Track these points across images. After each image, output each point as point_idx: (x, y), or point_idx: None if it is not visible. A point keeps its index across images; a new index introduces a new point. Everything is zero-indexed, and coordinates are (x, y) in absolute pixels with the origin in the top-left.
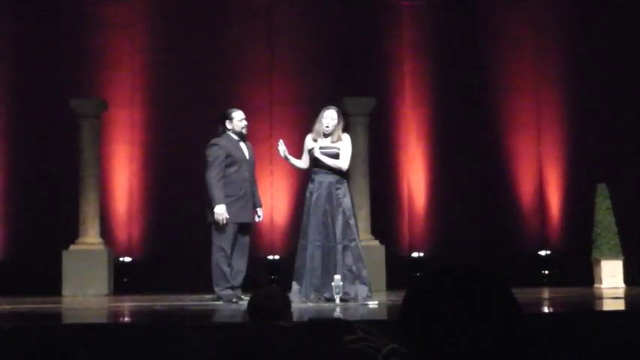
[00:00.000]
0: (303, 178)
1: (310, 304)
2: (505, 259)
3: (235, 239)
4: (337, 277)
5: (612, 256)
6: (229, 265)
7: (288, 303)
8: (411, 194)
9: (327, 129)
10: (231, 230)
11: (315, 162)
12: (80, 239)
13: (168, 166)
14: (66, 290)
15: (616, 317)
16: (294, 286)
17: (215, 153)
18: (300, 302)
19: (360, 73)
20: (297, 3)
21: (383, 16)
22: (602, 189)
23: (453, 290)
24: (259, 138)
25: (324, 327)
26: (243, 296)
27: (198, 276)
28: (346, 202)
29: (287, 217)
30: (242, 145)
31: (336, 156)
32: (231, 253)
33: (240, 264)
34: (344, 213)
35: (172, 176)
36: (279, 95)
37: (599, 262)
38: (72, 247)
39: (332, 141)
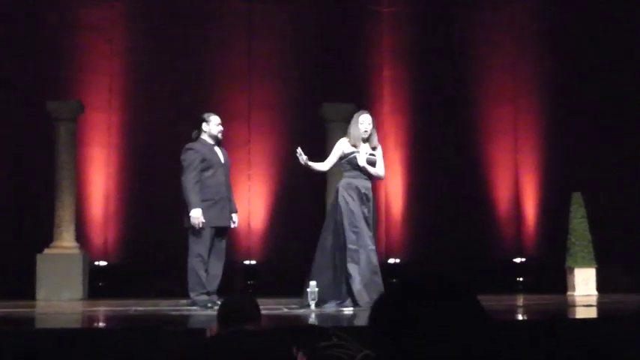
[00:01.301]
0: (281, 183)
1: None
2: (481, 266)
3: (212, 244)
4: (312, 283)
5: (586, 264)
6: (205, 271)
7: (257, 308)
8: (388, 200)
9: (365, 133)
10: (207, 235)
11: (355, 166)
12: (55, 243)
13: (145, 170)
14: (40, 294)
15: (588, 325)
16: (312, 284)
17: (190, 157)
18: (313, 302)
19: (339, 78)
20: (277, 8)
21: (363, 23)
22: (577, 197)
23: (421, 299)
24: (238, 142)
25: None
26: (218, 301)
27: (174, 281)
28: (374, 210)
29: (264, 222)
30: (217, 149)
31: (374, 163)
32: (208, 257)
33: (217, 269)
34: (374, 221)
35: (149, 180)
36: (257, 100)
37: (572, 269)
38: (46, 250)
39: (372, 147)
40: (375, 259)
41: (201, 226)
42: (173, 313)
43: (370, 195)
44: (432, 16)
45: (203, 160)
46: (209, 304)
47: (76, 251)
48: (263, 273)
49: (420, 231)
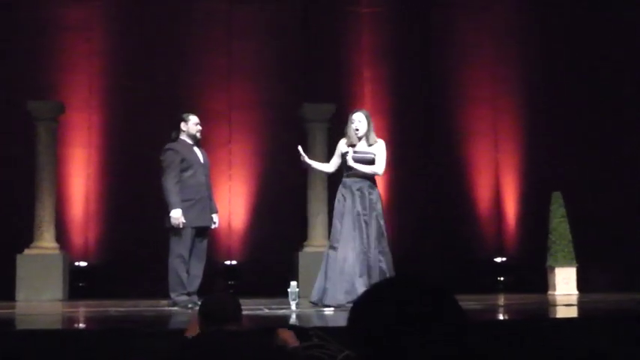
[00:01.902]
0: (261, 184)
1: (331, 309)
2: (461, 266)
3: (193, 244)
4: (293, 283)
5: (566, 264)
6: (187, 271)
7: (239, 308)
8: None
9: (357, 132)
10: (188, 235)
11: (348, 166)
12: (35, 243)
13: (126, 171)
14: (20, 295)
15: (569, 324)
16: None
17: (170, 157)
18: (321, 305)
19: (320, 79)
20: (257, 8)
21: (342, 23)
22: (557, 197)
23: (399, 300)
24: (218, 143)
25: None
26: (199, 302)
27: (155, 281)
28: (379, 207)
29: (245, 222)
30: (196, 149)
31: (372, 161)
32: (189, 258)
33: (198, 269)
34: (377, 219)
35: (129, 180)
36: (238, 100)
37: (553, 269)
38: (26, 251)
39: (368, 144)
40: (350, 258)
41: (181, 226)
42: (153, 314)
43: (366, 192)
44: (412, 17)
45: (183, 160)
46: (189, 305)
47: (57, 252)
48: (244, 273)
49: (401, 231)
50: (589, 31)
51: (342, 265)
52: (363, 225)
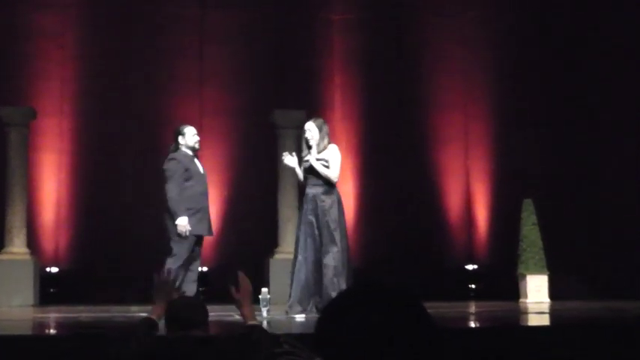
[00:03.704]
0: (232, 190)
1: (296, 316)
2: (432, 273)
3: (192, 251)
4: (264, 290)
5: (537, 271)
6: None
7: (206, 313)
8: None
9: (309, 140)
10: (191, 242)
11: (304, 174)
12: (6, 249)
13: (97, 176)
14: None
15: (540, 332)
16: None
17: (174, 167)
18: (286, 314)
19: (291, 85)
20: (230, 14)
21: (314, 30)
22: (528, 204)
23: (367, 307)
24: None
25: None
26: None
27: (125, 287)
28: (333, 213)
29: (215, 229)
30: (195, 160)
31: (311, 170)
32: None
33: (194, 275)
34: (328, 225)
35: (101, 186)
36: (209, 106)
37: (524, 276)
38: None
39: (318, 151)
40: (303, 267)
41: (187, 234)
42: (124, 319)
43: (318, 200)
44: (383, 24)
45: (186, 170)
46: None
47: (27, 257)
48: (214, 279)
49: (371, 237)
50: (562, 37)
51: (297, 274)
52: (316, 232)
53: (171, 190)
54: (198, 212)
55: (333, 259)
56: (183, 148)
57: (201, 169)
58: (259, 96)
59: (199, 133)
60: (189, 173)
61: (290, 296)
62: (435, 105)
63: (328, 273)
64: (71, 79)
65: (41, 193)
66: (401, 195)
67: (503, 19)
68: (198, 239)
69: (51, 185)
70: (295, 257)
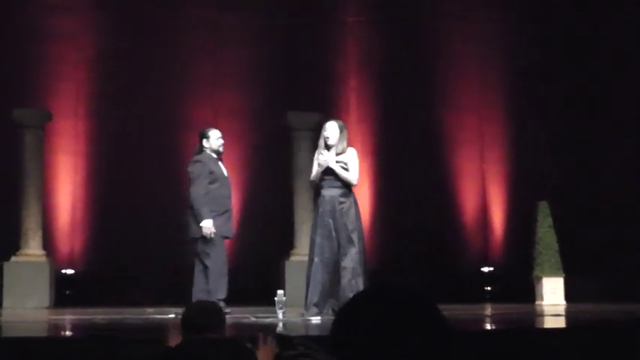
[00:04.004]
0: (244, 193)
1: (312, 318)
2: (448, 275)
3: None
4: (280, 292)
5: (553, 274)
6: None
7: (222, 317)
8: None
9: (327, 139)
10: (222, 243)
11: (321, 176)
12: (22, 251)
13: (112, 178)
14: (6, 302)
15: (556, 335)
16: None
17: (199, 169)
18: (301, 316)
19: (305, 87)
20: (244, 16)
21: (328, 32)
22: (543, 207)
23: (383, 310)
24: None
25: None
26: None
27: (141, 289)
28: (350, 214)
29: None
30: (220, 163)
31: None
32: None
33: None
34: (346, 227)
35: (116, 188)
36: (223, 108)
37: (540, 279)
38: (13, 258)
39: (337, 153)
40: (320, 269)
41: (212, 236)
42: (139, 322)
43: (336, 202)
44: (397, 26)
45: (211, 173)
46: (227, 310)
47: (43, 259)
48: (230, 281)
49: (387, 240)
50: (578, 41)
51: (314, 276)
52: (334, 235)
53: (196, 192)
54: (223, 215)
55: (351, 260)
56: (208, 151)
57: (225, 172)
58: (274, 98)
59: None
60: (213, 176)
61: (306, 298)
62: (450, 107)
63: (346, 275)
64: (86, 81)
65: (56, 196)
66: (416, 197)
67: (518, 20)
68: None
69: (66, 187)
70: (311, 259)
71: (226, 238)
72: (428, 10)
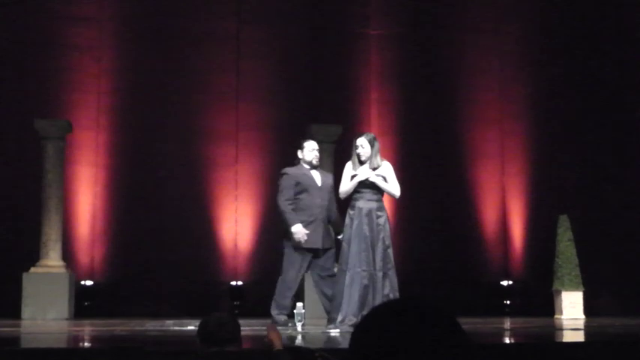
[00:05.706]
0: (267, 204)
1: (331, 331)
2: (467, 288)
3: (308, 266)
4: (299, 304)
5: (573, 288)
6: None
7: (238, 329)
8: None
9: (360, 156)
10: (299, 257)
11: (356, 188)
12: (41, 262)
13: (132, 190)
14: (25, 313)
15: (575, 349)
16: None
17: (284, 182)
18: (333, 329)
19: (327, 100)
20: (266, 29)
21: (350, 44)
22: (563, 220)
23: (401, 324)
24: (225, 163)
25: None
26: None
27: (160, 301)
28: (387, 229)
29: (251, 243)
30: (313, 173)
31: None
32: (298, 278)
33: (328, 288)
34: (384, 241)
35: (136, 199)
36: (245, 120)
37: (560, 293)
38: (33, 269)
39: (371, 168)
40: (378, 284)
41: (305, 238)
42: (158, 333)
43: (374, 215)
44: (419, 39)
45: (297, 184)
46: (290, 324)
47: (63, 270)
48: (250, 294)
49: (407, 253)
50: (597, 53)
51: (349, 288)
52: (370, 248)
53: (280, 202)
54: (310, 225)
55: (394, 275)
56: (302, 162)
57: (318, 182)
58: (295, 110)
59: (236, 147)
60: (301, 186)
61: (338, 311)
62: (471, 120)
63: (385, 289)
64: (107, 92)
65: (77, 207)
66: (437, 210)
67: (540, 33)
68: (317, 252)
69: (87, 198)
70: (343, 271)
71: (311, 250)
72: (449, 23)
